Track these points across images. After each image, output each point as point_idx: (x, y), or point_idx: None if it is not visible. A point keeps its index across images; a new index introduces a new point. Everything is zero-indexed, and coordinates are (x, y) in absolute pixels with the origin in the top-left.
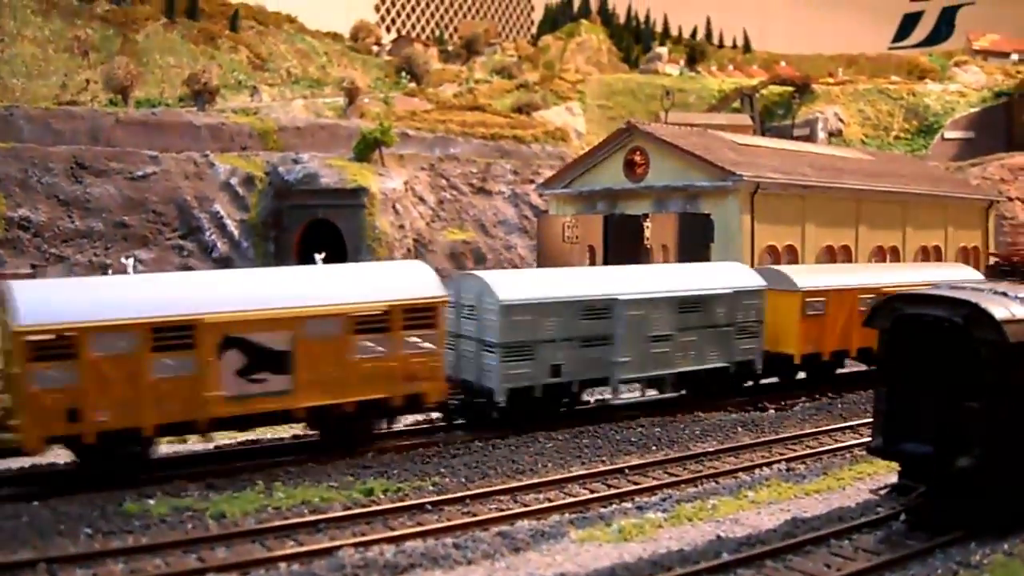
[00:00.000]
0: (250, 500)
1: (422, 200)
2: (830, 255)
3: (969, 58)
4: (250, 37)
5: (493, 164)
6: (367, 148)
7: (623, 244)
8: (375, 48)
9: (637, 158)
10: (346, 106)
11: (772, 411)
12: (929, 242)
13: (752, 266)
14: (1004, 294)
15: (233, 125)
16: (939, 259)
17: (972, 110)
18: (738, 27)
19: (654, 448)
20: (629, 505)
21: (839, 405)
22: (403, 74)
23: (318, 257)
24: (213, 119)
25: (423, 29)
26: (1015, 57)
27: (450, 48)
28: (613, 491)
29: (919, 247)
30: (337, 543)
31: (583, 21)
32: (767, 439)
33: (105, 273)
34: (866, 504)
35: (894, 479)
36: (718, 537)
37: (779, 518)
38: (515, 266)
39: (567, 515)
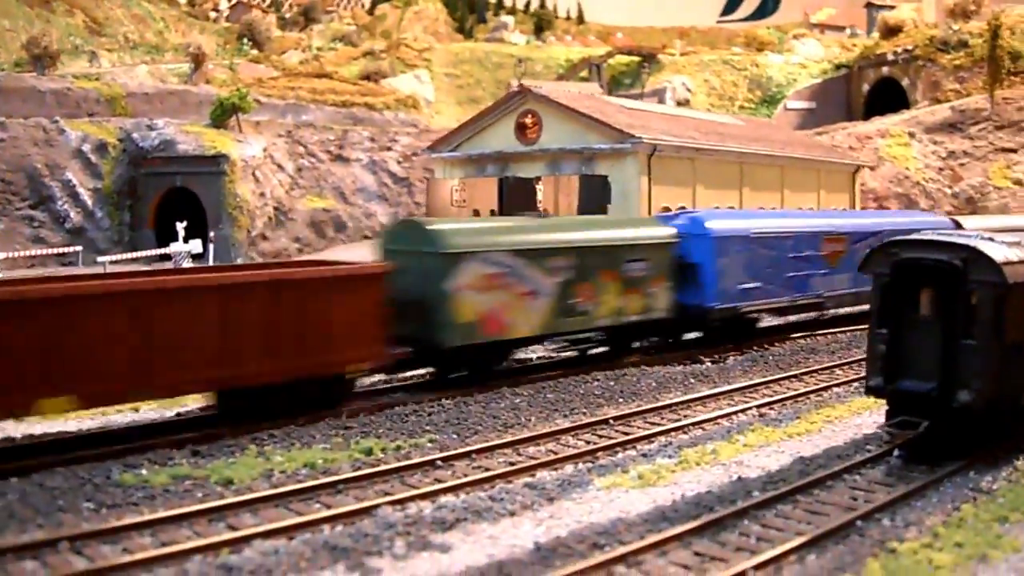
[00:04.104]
0: (249, 465)
1: (281, 168)
2: None
3: (807, 31)
4: (85, 1)
5: (350, 131)
6: (224, 114)
7: (516, 207)
8: (213, 14)
9: (529, 121)
10: (191, 72)
11: (709, 364)
12: (804, 205)
13: None
14: (991, 239)
15: (79, 90)
16: None
17: (813, 81)
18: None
19: (621, 400)
20: (633, 453)
21: (769, 358)
22: (245, 40)
23: (180, 226)
24: (58, 84)
25: None
26: (859, 31)
27: (287, 15)
28: (611, 441)
29: (795, 209)
30: (375, 502)
31: None
32: (726, 389)
33: None
34: (854, 443)
35: (858, 420)
36: (739, 478)
37: (780, 460)
38: (377, 233)
39: (580, 464)
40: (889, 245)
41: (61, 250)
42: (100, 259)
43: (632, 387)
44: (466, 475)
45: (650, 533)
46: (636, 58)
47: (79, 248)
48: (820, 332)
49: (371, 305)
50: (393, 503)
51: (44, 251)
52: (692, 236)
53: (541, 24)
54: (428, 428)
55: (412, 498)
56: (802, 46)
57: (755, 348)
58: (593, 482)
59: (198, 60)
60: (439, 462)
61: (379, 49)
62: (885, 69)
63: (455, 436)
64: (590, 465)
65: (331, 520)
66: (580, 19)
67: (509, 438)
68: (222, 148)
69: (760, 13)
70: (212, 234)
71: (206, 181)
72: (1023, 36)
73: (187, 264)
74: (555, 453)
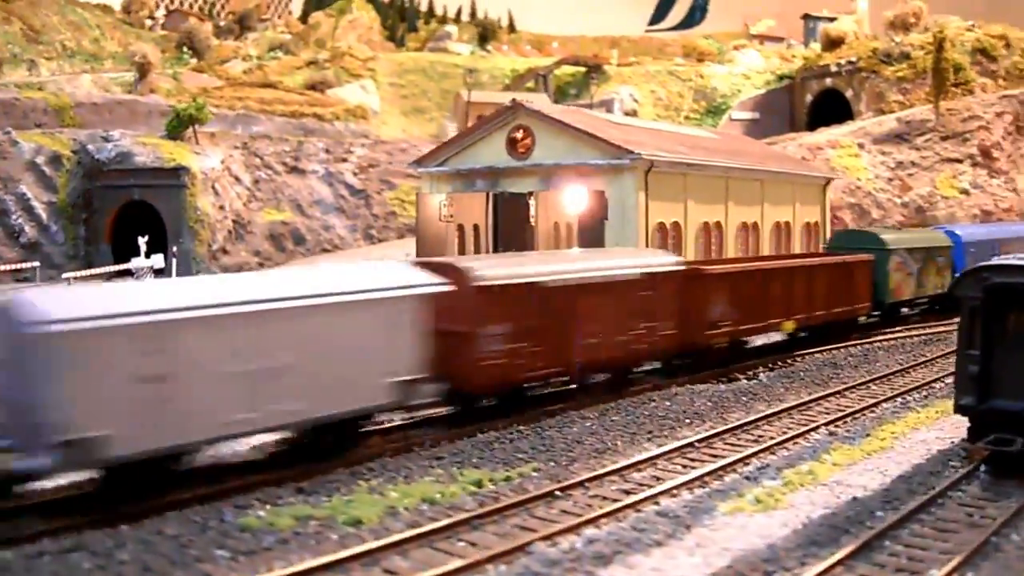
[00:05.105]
0: (368, 503)
1: (238, 180)
2: (706, 232)
3: (747, 42)
4: (22, 8)
5: (305, 143)
6: (180, 125)
7: (510, 222)
8: (148, 22)
9: (521, 136)
10: (136, 81)
11: (745, 380)
12: (781, 218)
13: (647, 243)
14: None
15: (27, 101)
16: (788, 235)
17: (757, 92)
18: (502, 7)
19: (689, 422)
20: (735, 476)
21: (801, 374)
22: (185, 49)
23: (141, 241)
24: (4, 94)
25: (191, 2)
26: (792, 42)
27: (222, 23)
28: (711, 465)
29: (773, 223)
30: (526, 539)
31: None
32: (784, 407)
33: None
34: (934, 459)
35: (921, 436)
36: (854, 499)
37: (877, 478)
38: (336, 247)
39: (695, 490)
40: (979, 270)
41: (17, 266)
42: (65, 275)
43: (692, 408)
44: (590, 505)
45: (809, 559)
46: (582, 69)
47: (36, 264)
48: (832, 347)
49: (867, 277)
50: (543, 539)
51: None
52: (955, 238)
53: (486, 34)
54: (521, 456)
55: (558, 533)
56: (743, 57)
57: (780, 364)
58: (717, 507)
59: (144, 69)
60: (557, 492)
61: (323, 59)
62: (828, 80)
63: (553, 464)
64: (703, 490)
65: (492, 560)
66: (512, 28)
67: (610, 465)
68: (182, 160)
69: (688, 23)
70: (174, 248)
71: (166, 194)
72: (962, 48)
73: (150, 280)
74: (660, 479)
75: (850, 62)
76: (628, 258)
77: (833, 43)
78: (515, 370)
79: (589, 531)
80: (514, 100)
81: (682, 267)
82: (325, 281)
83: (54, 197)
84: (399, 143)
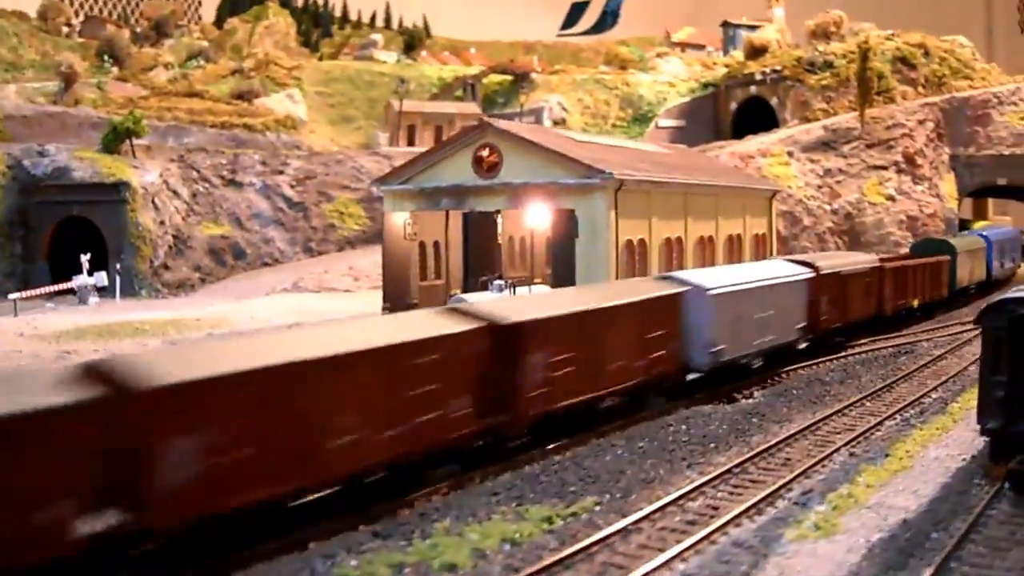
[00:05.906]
0: (452, 545)
1: (176, 194)
2: (668, 247)
3: (669, 50)
4: None
5: (241, 155)
6: (117, 139)
7: (478, 238)
8: (65, 29)
9: (487, 154)
10: (61, 92)
11: (743, 401)
12: (733, 231)
13: (616, 259)
14: None
15: None
16: (740, 247)
17: (682, 100)
18: (416, 12)
19: (713, 445)
20: (784, 502)
21: (793, 391)
22: (106, 57)
23: (84, 259)
24: None
25: (102, 8)
26: (711, 49)
27: (138, 30)
28: (761, 492)
29: (727, 236)
30: None
31: (270, 4)
32: (796, 429)
33: None
34: (956, 477)
35: (934, 454)
36: (904, 521)
37: (912, 499)
38: (276, 261)
39: (756, 518)
40: (1005, 302)
41: None
42: (11, 296)
43: (709, 431)
44: (663, 538)
45: None
46: (509, 77)
47: None
48: (814, 362)
49: (946, 271)
50: None
51: None
52: (987, 240)
53: (412, 42)
54: (573, 489)
55: (654, 571)
56: (667, 65)
57: (769, 382)
58: (783, 535)
59: (69, 79)
60: (630, 527)
61: (248, 67)
62: (753, 88)
63: (609, 496)
64: (762, 518)
65: None
66: (427, 33)
67: (664, 496)
68: (122, 175)
69: (599, 28)
70: (118, 266)
71: (106, 210)
72: (883, 57)
73: (93, 299)
74: (717, 508)
75: (774, 70)
76: (857, 256)
77: (756, 51)
78: (827, 323)
79: (679, 566)
80: (482, 119)
81: (878, 264)
82: (769, 270)
83: None
84: (335, 155)
